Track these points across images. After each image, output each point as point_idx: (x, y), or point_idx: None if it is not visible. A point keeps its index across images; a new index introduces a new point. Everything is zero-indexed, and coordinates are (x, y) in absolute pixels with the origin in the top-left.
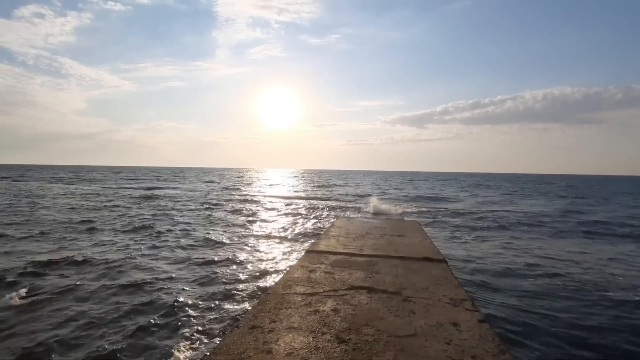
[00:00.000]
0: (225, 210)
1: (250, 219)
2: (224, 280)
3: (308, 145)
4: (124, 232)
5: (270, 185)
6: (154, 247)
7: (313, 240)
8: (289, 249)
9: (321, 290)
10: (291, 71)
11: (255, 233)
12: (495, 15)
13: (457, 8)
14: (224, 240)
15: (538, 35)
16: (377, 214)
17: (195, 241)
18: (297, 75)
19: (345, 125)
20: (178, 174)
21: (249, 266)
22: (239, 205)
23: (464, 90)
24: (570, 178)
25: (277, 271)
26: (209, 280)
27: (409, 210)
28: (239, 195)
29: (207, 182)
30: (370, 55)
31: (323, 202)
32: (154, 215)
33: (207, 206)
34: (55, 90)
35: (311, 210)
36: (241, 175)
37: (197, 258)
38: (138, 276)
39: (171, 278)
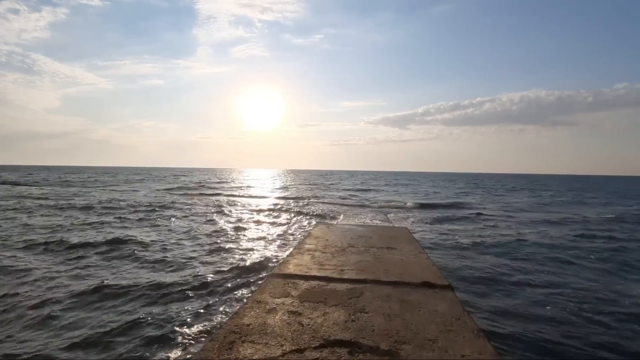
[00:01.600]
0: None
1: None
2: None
3: (292, 145)
4: None
5: (249, 186)
6: None
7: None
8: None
9: (279, 353)
10: (275, 71)
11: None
12: (474, 19)
13: (438, 12)
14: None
15: (515, 39)
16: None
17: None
18: (280, 75)
19: (329, 125)
20: (145, 175)
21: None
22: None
23: (445, 92)
24: (547, 178)
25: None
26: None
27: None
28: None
29: (182, 182)
30: (354, 56)
31: (302, 209)
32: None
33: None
34: (28, 87)
35: (291, 217)
36: (222, 175)
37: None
38: None
39: None
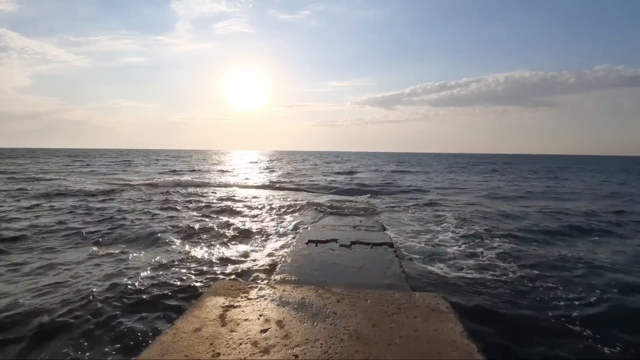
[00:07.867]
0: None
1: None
2: None
3: (277, 126)
4: None
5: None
6: None
7: None
8: None
9: None
10: (260, 49)
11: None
12: None
13: None
14: None
15: (502, 20)
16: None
17: None
18: (266, 53)
19: (315, 106)
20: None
21: None
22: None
23: (432, 72)
24: (529, 158)
25: None
26: None
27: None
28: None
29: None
30: (341, 34)
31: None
32: None
33: None
34: None
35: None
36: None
37: None
38: None
39: None
